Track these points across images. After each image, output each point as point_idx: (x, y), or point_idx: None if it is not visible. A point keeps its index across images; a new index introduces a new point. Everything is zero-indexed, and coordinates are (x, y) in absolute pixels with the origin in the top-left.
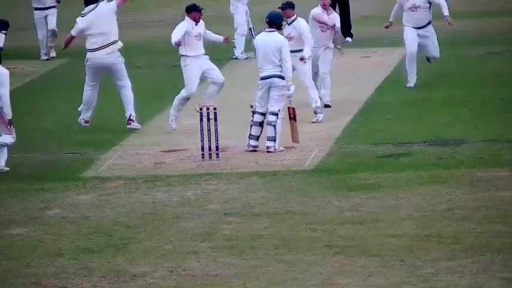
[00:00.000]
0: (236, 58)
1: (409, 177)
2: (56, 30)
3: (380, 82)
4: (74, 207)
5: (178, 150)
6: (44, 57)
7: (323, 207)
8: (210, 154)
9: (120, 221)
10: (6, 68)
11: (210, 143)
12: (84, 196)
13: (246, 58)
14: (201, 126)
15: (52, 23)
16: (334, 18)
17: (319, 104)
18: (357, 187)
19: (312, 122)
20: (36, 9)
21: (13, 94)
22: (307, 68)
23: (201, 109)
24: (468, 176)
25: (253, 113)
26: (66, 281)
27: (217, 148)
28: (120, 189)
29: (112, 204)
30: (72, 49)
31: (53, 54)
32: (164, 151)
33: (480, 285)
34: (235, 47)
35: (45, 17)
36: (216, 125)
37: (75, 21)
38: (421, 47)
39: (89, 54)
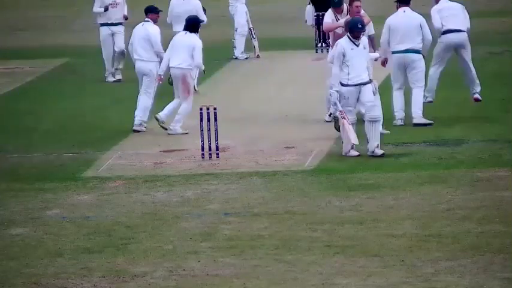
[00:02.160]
0: (236, 58)
1: (409, 177)
2: (125, 50)
3: (380, 82)
4: (74, 207)
5: (178, 150)
6: (110, 78)
7: (323, 207)
8: (210, 154)
9: (120, 221)
10: (7, 68)
11: (210, 143)
12: (84, 196)
13: (246, 58)
14: (201, 126)
15: (120, 43)
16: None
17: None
18: (357, 187)
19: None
20: (102, 24)
21: (13, 94)
22: None
23: (201, 109)
24: (468, 176)
25: None
26: (66, 281)
27: (217, 148)
28: (120, 189)
29: (112, 204)
30: (72, 49)
31: (119, 76)
32: (164, 151)
33: (480, 285)
34: (235, 47)
35: (112, 34)
36: (216, 125)
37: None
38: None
39: None
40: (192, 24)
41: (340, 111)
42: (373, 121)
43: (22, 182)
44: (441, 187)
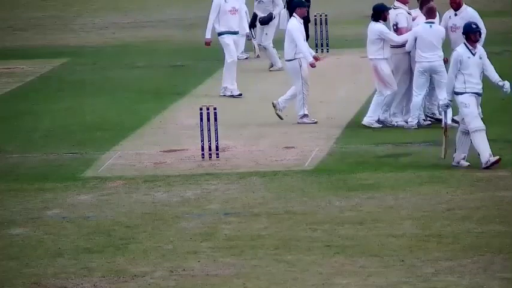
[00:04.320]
0: None
1: (409, 177)
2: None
3: None
4: (74, 207)
5: (178, 150)
6: (236, 92)
7: (323, 207)
8: (210, 154)
9: (120, 221)
10: (7, 68)
11: (210, 143)
12: (84, 196)
13: (246, 58)
14: (201, 126)
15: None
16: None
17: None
18: (357, 187)
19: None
20: (223, 33)
21: (13, 94)
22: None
23: (201, 109)
24: (468, 176)
25: None
26: (66, 281)
27: (217, 148)
28: (120, 189)
29: (112, 204)
30: (72, 49)
31: (236, 92)
32: (164, 151)
33: (480, 285)
34: None
35: (234, 43)
36: (216, 125)
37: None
38: None
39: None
40: (376, 13)
41: (445, 123)
42: (469, 132)
43: (22, 182)
44: (441, 187)
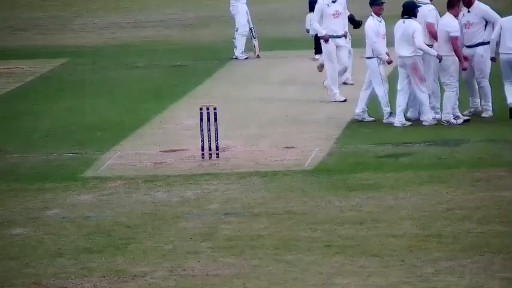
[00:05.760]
0: (236, 58)
1: (409, 177)
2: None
3: None
4: (74, 207)
5: (178, 150)
6: (340, 98)
7: (323, 207)
8: (210, 154)
9: (120, 221)
10: (7, 68)
11: (210, 143)
12: (84, 196)
13: (246, 58)
14: (201, 126)
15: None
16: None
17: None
18: (357, 187)
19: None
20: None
21: (13, 94)
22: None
23: (201, 109)
24: (468, 176)
25: None
26: (66, 281)
27: (217, 148)
28: (120, 189)
29: (112, 204)
30: (72, 49)
31: (341, 97)
32: (164, 151)
33: (480, 285)
34: (235, 46)
35: (336, 48)
36: (216, 125)
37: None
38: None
39: None
40: (407, 10)
41: None
42: None
43: (22, 182)
44: (441, 187)
